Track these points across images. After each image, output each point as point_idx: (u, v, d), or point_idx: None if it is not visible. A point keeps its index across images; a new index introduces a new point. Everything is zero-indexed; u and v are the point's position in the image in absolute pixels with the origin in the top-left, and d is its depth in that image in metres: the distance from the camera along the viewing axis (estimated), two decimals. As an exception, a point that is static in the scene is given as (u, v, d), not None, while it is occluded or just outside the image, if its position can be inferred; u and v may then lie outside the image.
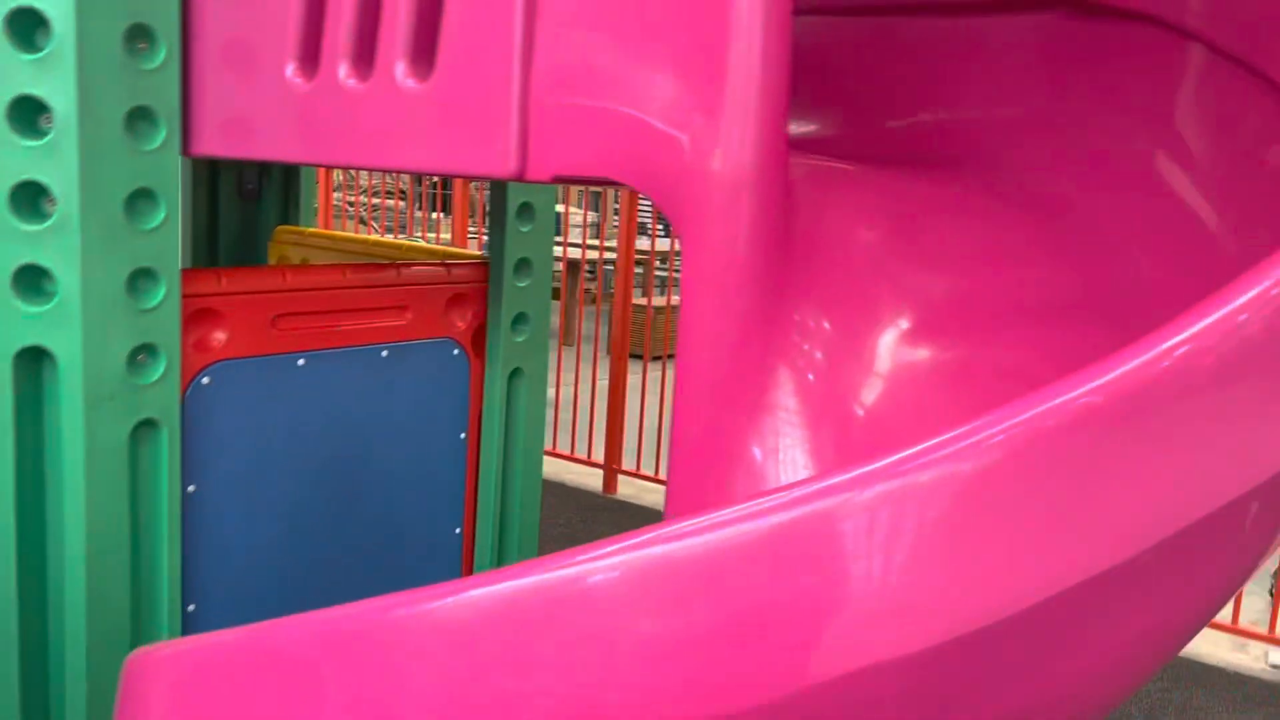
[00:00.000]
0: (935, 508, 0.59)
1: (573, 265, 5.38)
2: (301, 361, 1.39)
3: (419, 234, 4.94)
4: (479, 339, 1.59)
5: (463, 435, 1.60)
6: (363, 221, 4.78)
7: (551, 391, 4.25)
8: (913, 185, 0.98)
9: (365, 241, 1.97)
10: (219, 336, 1.30)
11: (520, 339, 1.61)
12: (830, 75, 1.19)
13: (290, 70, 1.10)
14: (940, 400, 0.82)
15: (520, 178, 0.93)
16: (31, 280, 1.14)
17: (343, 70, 1.05)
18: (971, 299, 0.88)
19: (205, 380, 1.29)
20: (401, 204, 4.69)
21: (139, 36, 1.16)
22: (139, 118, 1.17)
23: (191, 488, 1.30)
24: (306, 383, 1.40)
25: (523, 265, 1.60)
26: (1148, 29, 0.95)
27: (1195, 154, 0.90)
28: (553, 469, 4.02)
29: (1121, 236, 0.92)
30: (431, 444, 1.56)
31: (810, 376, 0.83)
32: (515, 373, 1.62)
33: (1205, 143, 0.89)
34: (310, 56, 1.08)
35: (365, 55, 1.03)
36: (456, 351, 1.57)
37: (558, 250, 3.93)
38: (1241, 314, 0.62)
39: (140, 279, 1.19)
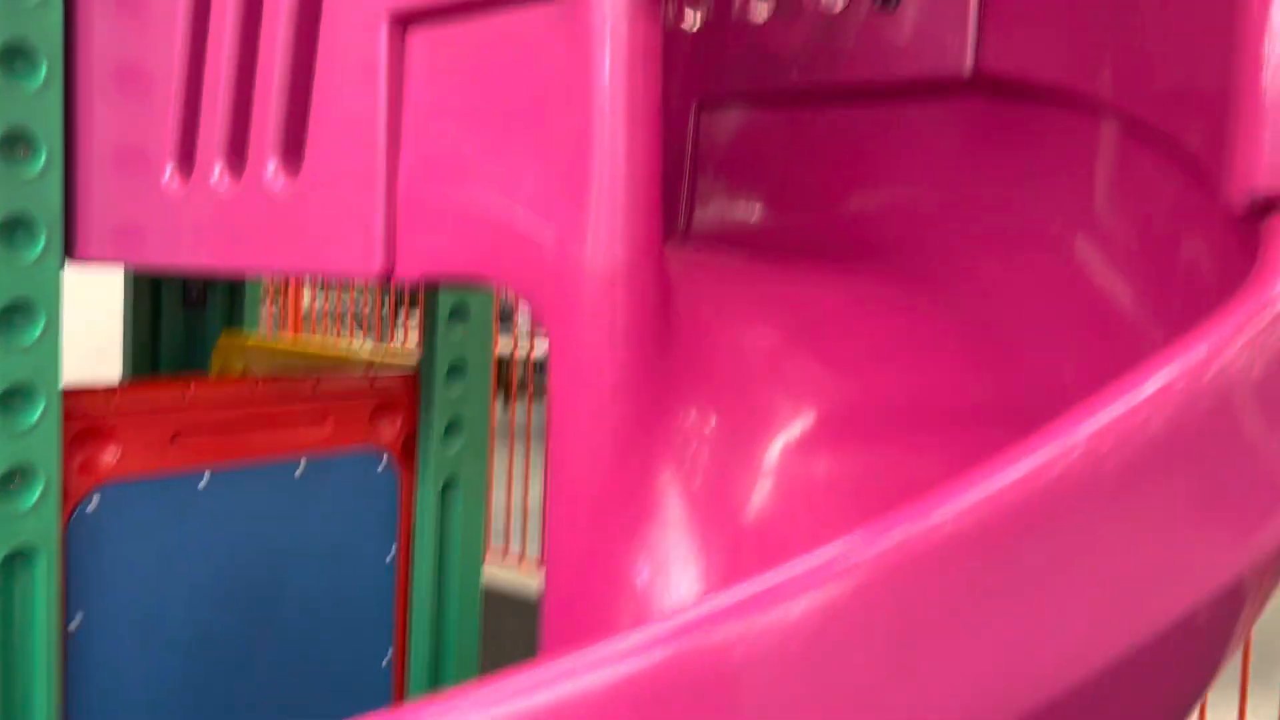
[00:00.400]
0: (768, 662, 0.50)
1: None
2: (205, 481, 1.30)
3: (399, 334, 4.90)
4: (409, 449, 1.51)
5: (390, 555, 1.50)
6: (345, 323, 4.74)
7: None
8: (824, 279, 0.90)
9: (305, 348, 1.90)
10: (109, 456, 1.21)
11: (454, 449, 1.53)
12: (752, 165, 1.13)
13: (168, 172, 1.04)
14: (838, 512, 0.73)
15: (388, 276, 0.85)
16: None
17: (216, 170, 0.98)
18: (877, 402, 0.79)
19: (92, 504, 1.20)
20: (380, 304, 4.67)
21: (18, 142, 1.10)
22: (16, 226, 1.10)
23: (75, 623, 1.19)
24: (210, 503, 1.30)
25: (456, 370, 1.52)
26: (1064, 108, 0.88)
27: (1115, 237, 0.82)
28: (488, 574, 3.86)
29: (1040, 331, 0.84)
30: (355, 566, 1.46)
31: (699, 486, 0.74)
32: (449, 484, 1.53)
33: (1124, 225, 0.82)
34: (187, 158, 1.02)
35: (238, 154, 0.97)
36: (383, 465, 1.48)
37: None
38: (1144, 411, 0.53)
39: (14, 397, 1.11)
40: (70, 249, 1.14)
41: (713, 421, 0.76)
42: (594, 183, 0.72)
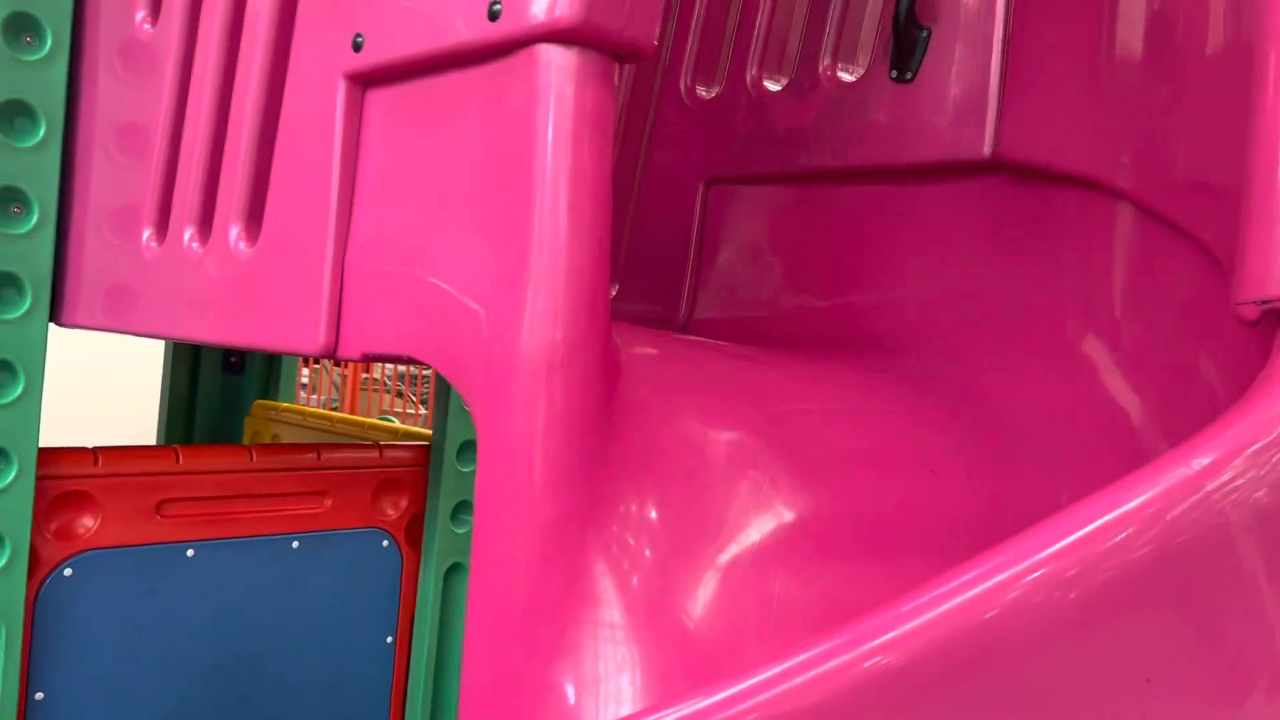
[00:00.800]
0: None
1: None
2: (191, 552, 1.25)
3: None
4: (414, 529, 1.44)
5: (390, 638, 1.43)
6: (399, 395, 4.75)
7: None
8: (812, 376, 0.82)
9: (332, 418, 1.86)
10: (87, 523, 1.17)
11: (462, 530, 1.46)
12: (761, 247, 1.05)
13: (145, 236, 1.01)
14: (785, 631, 0.64)
15: (331, 354, 0.79)
16: None
17: (186, 235, 0.95)
18: (847, 516, 0.70)
19: (67, 572, 1.16)
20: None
21: (11, 200, 1.09)
22: (3, 284, 1.08)
23: (40, 695, 1.15)
24: (195, 576, 1.25)
25: (468, 448, 1.46)
26: (1081, 193, 0.79)
27: (1128, 340, 0.73)
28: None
29: (1044, 441, 0.75)
30: (351, 648, 1.40)
31: (636, 592, 0.66)
32: (454, 568, 1.46)
33: (1139, 326, 0.72)
34: (163, 221, 0.99)
35: (207, 219, 0.93)
36: (386, 543, 1.42)
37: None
38: (1116, 531, 0.44)
39: (-13, 459, 1.08)
40: (57, 312, 1.11)
41: (656, 524, 0.68)
42: (531, 262, 0.66)
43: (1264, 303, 0.51)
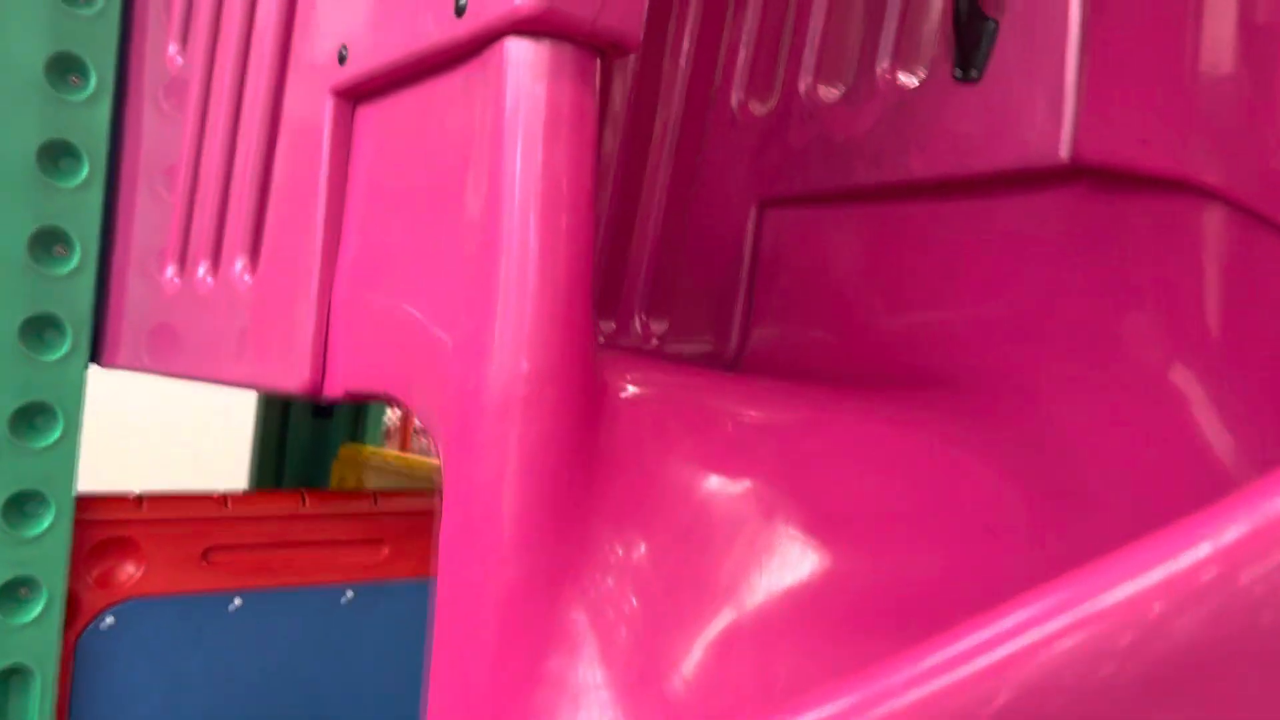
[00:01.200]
0: None
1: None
2: (237, 602, 1.21)
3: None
4: (479, 582, 1.37)
5: (452, 696, 1.36)
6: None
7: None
8: (851, 417, 0.71)
9: (413, 463, 1.82)
10: (130, 570, 1.14)
11: (529, 583, 1.38)
12: (817, 273, 0.95)
13: (169, 273, 0.97)
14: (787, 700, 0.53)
15: (316, 392, 0.73)
16: (-105, 502, 1.03)
17: (201, 269, 0.91)
18: (879, 588, 0.59)
19: (108, 621, 1.13)
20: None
21: (55, 241, 1.07)
22: (44, 326, 1.07)
23: (77, 749, 1.11)
24: (242, 628, 1.21)
25: (536, 497, 1.38)
26: (1167, 198, 0.67)
27: (1219, 361, 0.59)
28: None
29: (1124, 490, 0.62)
30: (407, 707, 1.33)
31: (616, 669, 0.57)
32: (521, 623, 1.38)
33: (1230, 342, 0.59)
34: (182, 257, 0.95)
35: (218, 251, 0.89)
36: (448, 596, 1.35)
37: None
38: (1156, 599, 0.33)
39: (24, 502, 1.06)
40: (98, 354, 1.09)
41: (643, 589, 0.58)
42: (499, 283, 0.58)
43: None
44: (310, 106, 0.75)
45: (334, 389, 0.72)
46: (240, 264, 0.84)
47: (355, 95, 0.73)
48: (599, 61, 0.60)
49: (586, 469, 0.59)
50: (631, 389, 0.63)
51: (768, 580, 0.59)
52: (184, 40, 0.99)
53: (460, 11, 0.60)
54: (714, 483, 0.62)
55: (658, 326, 1.07)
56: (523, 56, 0.58)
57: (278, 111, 0.80)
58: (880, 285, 0.89)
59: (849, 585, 0.59)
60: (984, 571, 0.62)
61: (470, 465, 0.58)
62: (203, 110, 0.93)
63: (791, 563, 0.60)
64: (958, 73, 0.83)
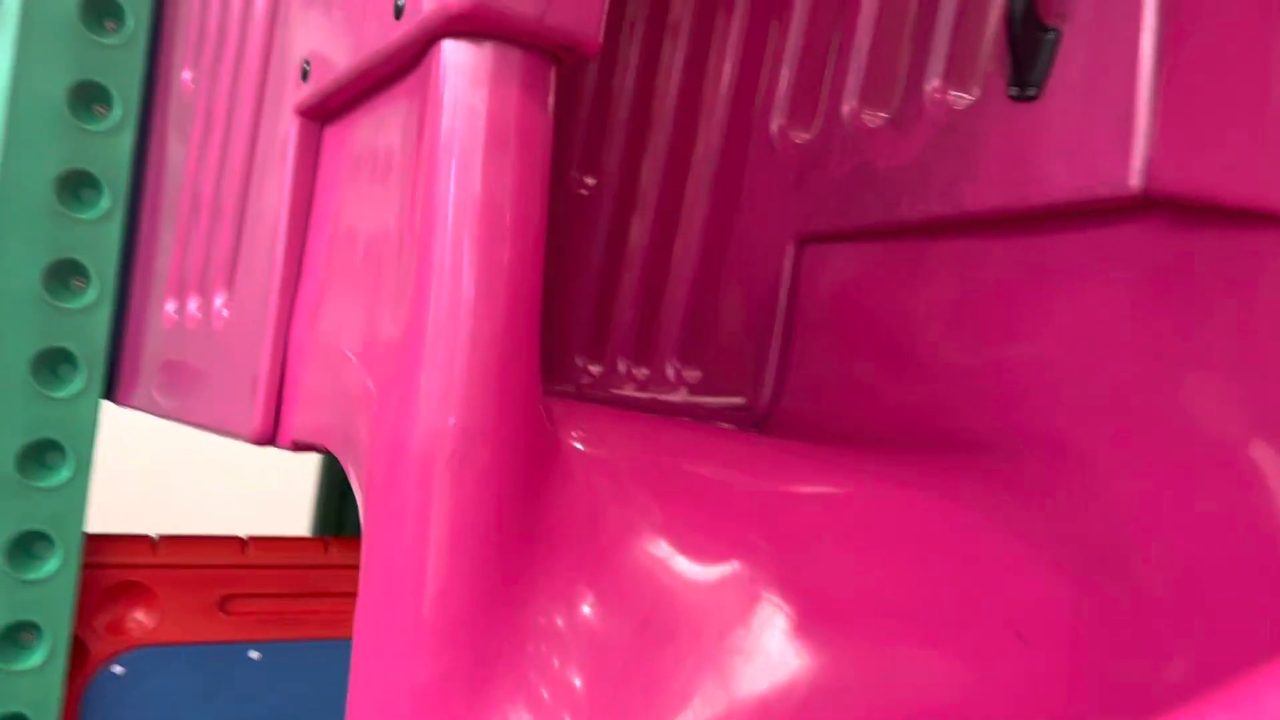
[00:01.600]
0: None
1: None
2: (256, 654, 1.15)
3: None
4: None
5: (484, 762, 1.27)
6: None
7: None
8: (868, 487, 0.61)
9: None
10: (141, 618, 1.10)
11: (571, 644, 1.29)
12: (860, 316, 0.85)
13: (170, 309, 0.92)
14: None
15: (269, 442, 0.66)
16: (-101, 539, 1.00)
17: (193, 304, 0.85)
18: (875, 706, 0.48)
19: (117, 670, 1.08)
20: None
21: (72, 274, 1.04)
22: (57, 361, 1.03)
23: (78, 803, 1.06)
24: (260, 680, 1.15)
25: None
26: (1255, 233, 0.55)
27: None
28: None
29: (1198, 591, 0.50)
30: (434, 771, 1.25)
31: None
32: (561, 687, 1.29)
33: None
34: (179, 292, 0.90)
35: (204, 283, 0.83)
36: (482, 654, 1.27)
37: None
38: None
39: (30, 543, 1.02)
40: (113, 391, 1.05)
41: (585, 695, 0.49)
42: (427, 323, 0.50)
43: None
44: (279, 129, 0.69)
45: (284, 439, 0.65)
46: (221, 299, 0.78)
47: (320, 114, 0.66)
48: (554, 69, 0.52)
49: (526, 542, 0.50)
50: (588, 448, 0.54)
51: (742, 686, 0.49)
52: (195, 64, 0.95)
53: (399, 13, 0.52)
54: (683, 563, 0.52)
55: (691, 375, 0.97)
56: (460, 61, 0.50)
57: (256, 134, 0.74)
58: (924, 333, 0.78)
59: (840, 698, 0.49)
60: (1012, 689, 0.50)
61: (389, 536, 0.50)
62: (202, 135, 0.88)
63: (771, 666, 0.50)
64: (1013, 90, 0.72)
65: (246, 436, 0.66)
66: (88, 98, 1.04)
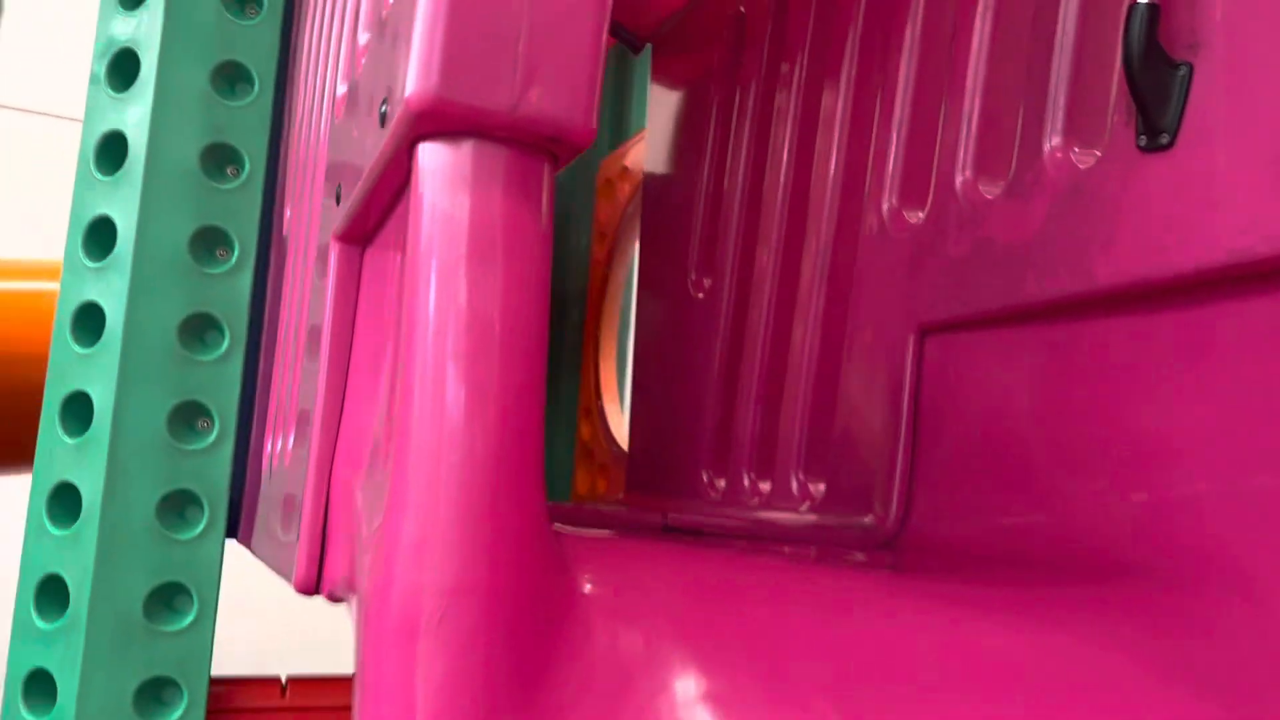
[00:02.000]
0: None
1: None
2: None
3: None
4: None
5: None
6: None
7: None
8: (967, 630, 0.49)
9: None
10: (270, 765, 1.07)
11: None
12: (990, 418, 0.73)
13: (267, 449, 0.91)
14: None
15: (311, 593, 0.61)
16: (33, 685, 1.01)
17: (279, 443, 0.83)
18: None
19: (247, 819, 1.05)
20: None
21: (197, 415, 1.05)
22: (183, 502, 1.04)
23: None
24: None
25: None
26: None
27: None
28: None
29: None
30: None
31: None
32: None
33: None
34: (266, 433, 0.89)
35: (285, 426, 0.81)
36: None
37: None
38: None
39: (157, 688, 1.01)
40: (234, 530, 1.05)
41: None
42: (409, 462, 0.43)
43: None
44: (325, 256, 0.66)
45: (326, 589, 0.60)
46: (290, 438, 0.75)
47: (359, 238, 0.62)
48: (548, 165, 0.46)
49: (527, 709, 0.42)
50: (612, 595, 0.46)
51: None
52: (294, 200, 0.95)
53: (384, 120, 0.48)
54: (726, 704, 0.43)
55: (816, 488, 0.87)
56: (436, 163, 0.44)
57: (324, 267, 0.72)
58: (1065, 436, 0.66)
59: None
60: None
61: (375, 697, 0.43)
62: (292, 271, 0.87)
63: None
64: (1143, 140, 0.61)
65: (295, 585, 0.62)
66: (209, 243, 1.07)
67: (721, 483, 1.00)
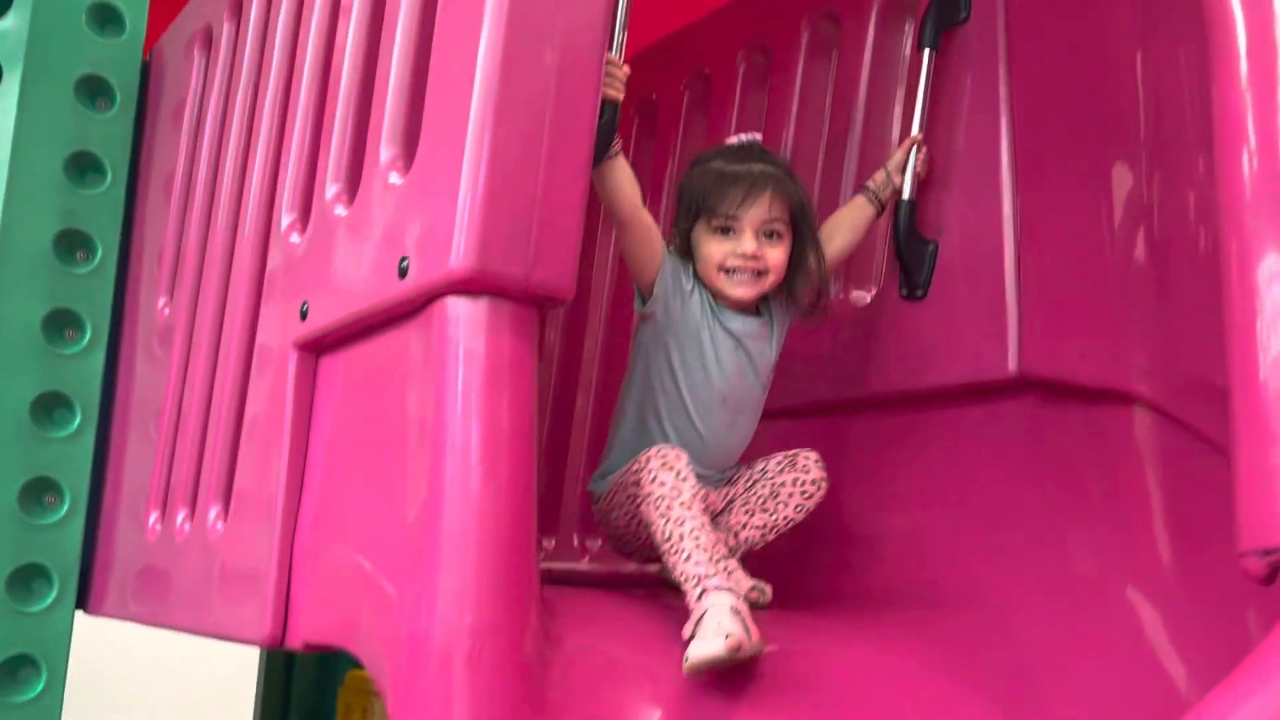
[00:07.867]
0: None
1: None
2: None
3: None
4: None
5: None
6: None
7: None
8: (851, 647, 0.70)
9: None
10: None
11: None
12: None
13: (151, 520, 0.99)
14: None
15: (278, 644, 0.73)
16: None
17: (180, 517, 0.92)
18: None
19: None
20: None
21: (46, 490, 1.09)
22: (31, 575, 1.07)
23: None
24: None
25: None
26: (1106, 406, 0.68)
27: (1170, 590, 0.59)
28: None
29: (1085, 711, 0.60)
30: None
31: None
32: None
33: (1180, 575, 0.59)
34: (162, 503, 0.97)
35: (193, 498, 0.90)
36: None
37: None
38: None
39: (3, 761, 1.04)
40: (85, 601, 1.09)
41: None
42: (442, 533, 0.59)
43: (1267, 552, 0.39)
44: (276, 360, 0.78)
45: (294, 640, 0.72)
46: (214, 512, 0.85)
47: (317, 348, 0.75)
48: (536, 314, 0.63)
49: (535, 713, 0.58)
50: (579, 640, 0.63)
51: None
52: (170, 293, 1.04)
53: (403, 274, 0.63)
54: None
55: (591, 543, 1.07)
56: (462, 314, 0.60)
57: (248, 362, 0.83)
58: (852, 496, 0.89)
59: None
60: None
61: (416, 715, 0.58)
62: (184, 361, 0.96)
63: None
64: (904, 291, 0.86)
65: (256, 640, 0.73)
66: (60, 324, 1.11)
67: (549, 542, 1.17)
